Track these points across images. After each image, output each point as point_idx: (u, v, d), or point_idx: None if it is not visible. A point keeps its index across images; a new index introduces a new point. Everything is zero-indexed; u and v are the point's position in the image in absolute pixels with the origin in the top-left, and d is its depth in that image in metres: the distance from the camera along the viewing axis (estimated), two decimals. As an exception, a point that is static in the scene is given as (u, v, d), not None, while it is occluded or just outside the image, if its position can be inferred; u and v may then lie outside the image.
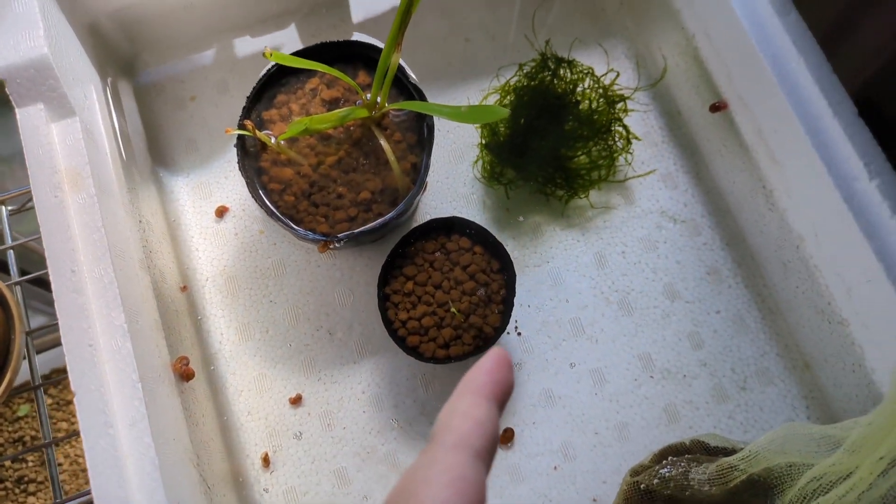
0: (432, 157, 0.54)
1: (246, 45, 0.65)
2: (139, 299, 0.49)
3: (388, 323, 0.54)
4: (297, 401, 0.57)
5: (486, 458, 0.24)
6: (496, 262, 0.55)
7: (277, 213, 0.53)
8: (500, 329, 0.53)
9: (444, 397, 0.56)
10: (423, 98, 0.55)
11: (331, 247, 0.53)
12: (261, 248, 0.60)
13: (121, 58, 0.63)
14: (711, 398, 0.56)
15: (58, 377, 0.87)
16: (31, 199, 0.68)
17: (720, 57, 0.54)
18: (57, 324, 0.44)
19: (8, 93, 0.48)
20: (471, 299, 0.54)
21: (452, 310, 0.53)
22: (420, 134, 0.56)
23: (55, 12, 0.51)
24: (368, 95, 0.54)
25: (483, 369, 0.26)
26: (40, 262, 0.89)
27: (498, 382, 0.26)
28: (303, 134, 0.53)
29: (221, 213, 0.61)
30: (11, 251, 0.67)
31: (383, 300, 0.54)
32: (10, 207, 0.69)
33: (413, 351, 0.53)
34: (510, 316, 0.53)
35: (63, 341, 0.44)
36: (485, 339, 0.53)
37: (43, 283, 0.90)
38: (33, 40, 0.48)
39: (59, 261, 0.46)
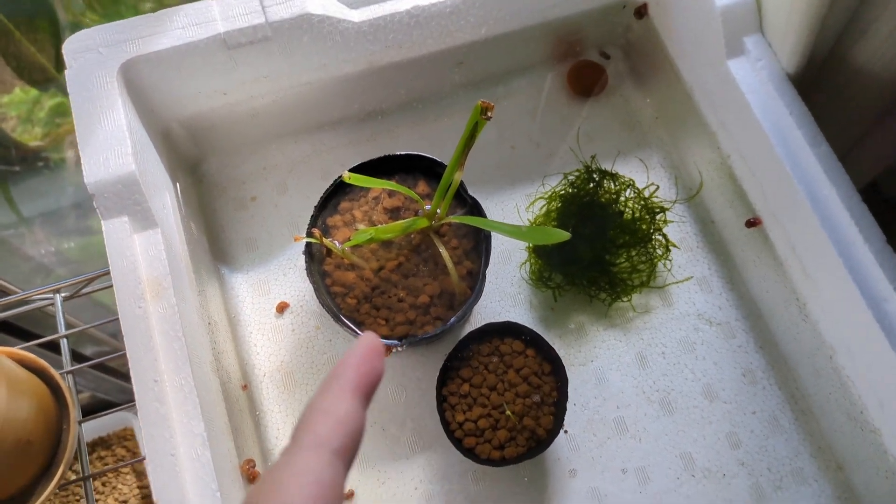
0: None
1: (304, 148, 0.69)
2: (212, 404, 0.52)
3: (445, 424, 0.56)
4: (350, 496, 0.59)
5: (346, 456, 0.24)
6: (547, 364, 0.58)
7: (342, 317, 0.56)
8: (553, 432, 0.56)
9: (494, 493, 0.59)
10: (481, 211, 0.59)
11: (394, 350, 0.56)
12: (317, 343, 0.63)
13: (188, 161, 0.66)
14: (750, 497, 0.58)
15: (104, 466, 0.88)
16: (85, 286, 0.70)
17: (755, 177, 0.58)
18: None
19: (95, 206, 0.52)
20: (524, 402, 0.56)
21: (507, 412, 0.56)
22: (476, 240, 0.59)
23: (137, 125, 0.55)
24: (428, 206, 0.58)
25: (349, 363, 0.25)
26: (93, 343, 0.90)
27: (364, 374, 0.25)
28: (367, 242, 0.56)
29: (282, 309, 0.64)
30: (65, 339, 0.69)
31: (441, 401, 0.57)
32: (63, 294, 0.71)
33: (469, 452, 0.55)
34: (563, 419, 0.55)
35: (146, 450, 0.47)
36: (537, 441, 0.56)
37: (105, 368, 0.92)
38: (121, 157, 0.52)
39: (143, 371, 0.48)
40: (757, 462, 0.59)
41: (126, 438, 0.90)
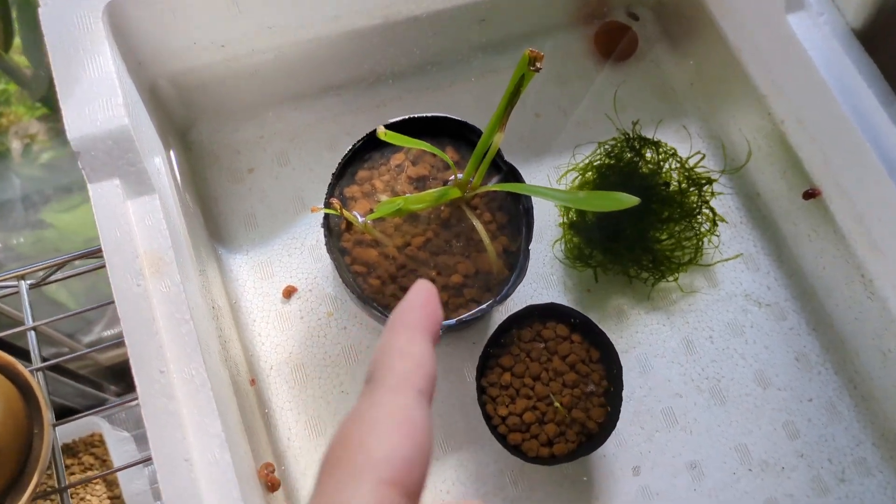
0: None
1: (307, 116, 0.61)
2: (225, 400, 0.44)
3: (487, 418, 0.50)
4: (373, 503, 0.52)
5: (429, 397, 0.23)
6: (596, 350, 0.52)
7: (370, 301, 0.49)
8: (607, 425, 0.50)
9: (534, 494, 0.52)
10: (519, 178, 0.52)
11: (428, 337, 0.49)
12: (330, 332, 0.56)
13: (176, 127, 0.58)
14: (812, 491, 0.54)
15: (82, 477, 0.78)
16: (53, 272, 0.61)
17: (816, 143, 0.54)
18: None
19: (80, 166, 0.43)
20: (572, 392, 0.50)
21: (556, 404, 0.49)
22: (511, 214, 0.53)
23: (125, 76, 0.47)
24: (460, 175, 0.51)
25: (414, 303, 0.25)
26: (47, 344, 0.81)
27: (429, 316, 0.25)
28: (395, 215, 0.49)
29: (289, 293, 0.56)
30: (33, 332, 0.60)
31: (480, 393, 0.50)
32: (29, 282, 0.62)
33: (516, 450, 0.49)
34: (619, 411, 0.49)
35: (154, 456, 0.39)
36: (588, 436, 0.50)
37: (62, 370, 0.82)
38: (111, 109, 0.44)
39: (146, 360, 0.40)
40: (816, 453, 0.55)
41: (94, 445, 0.80)
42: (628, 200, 0.43)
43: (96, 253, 0.59)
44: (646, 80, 0.65)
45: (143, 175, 0.44)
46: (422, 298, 0.25)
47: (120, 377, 0.99)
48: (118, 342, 0.53)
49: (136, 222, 0.43)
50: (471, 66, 0.64)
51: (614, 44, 0.65)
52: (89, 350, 0.65)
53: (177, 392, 0.40)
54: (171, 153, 0.54)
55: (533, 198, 0.52)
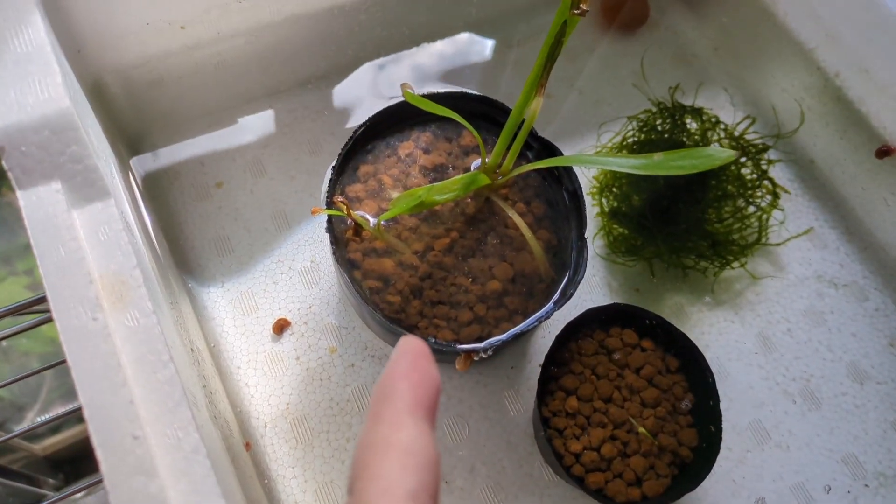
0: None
1: (283, 115, 0.51)
2: (224, 472, 0.33)
3: (557, 457, 0.39)
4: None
5: (425, 496, 0.18)
6: (673, 359, 0.42)
7: (393, 323, 0.39)
8: (705, 451, 0.39)
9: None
10: (557, 153, 0.43)
11: (475, 359, 0.39)
12: (335, 373, 0.45)
13: (127, 136, 0.47)
14: (940, 502, 0.45)
15: None
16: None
17: (887, 93, 0.46)
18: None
19: (5, 167, 0.32)
20: (655, 412, 0.40)
21: (639, 429, 0.39)
22: (551, 201, 0.43)
23: (64, 62, 0.36)
24: (487, 158, 0.42)
25: (396, 375, 0.20)
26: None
27: (419, 385, 0.20)
28: (416, 209, 0.39)
29: (281, 328, 0.45)
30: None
31: (544, 426, 0.40)
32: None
33: (599, 495, 0.38)
34: (720, 430, 0.39)
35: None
36: (681, 467, 0.40)
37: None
38: (47, 90, 0.33)
39: (112, 425, 0.28)
40: (935, 454, 0.46)
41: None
42: (723, 155, 0.34)
43: (26, 308, 0.47)
44: (663, 48, 0.57)
45: (92, 174, 0.33)
46: (406, 364, 0.21)
47: (60, 466, 0.84)
48: (57, 426, 0.40)
49: (87, 237, 0.32)
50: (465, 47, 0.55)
51: (624, 12, 0.57)
52: (15, 434, 0.52)
53: (158, 465, 0.28)
54: (127, 167, 0.43)
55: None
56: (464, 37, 0.55)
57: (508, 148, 0.41)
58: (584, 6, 0.35)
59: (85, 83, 0.40)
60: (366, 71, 0.53)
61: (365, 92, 0.52)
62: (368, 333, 0.46)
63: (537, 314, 0.39)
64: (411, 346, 0.21)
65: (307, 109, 0.51)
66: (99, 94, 0.43)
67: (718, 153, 0.34)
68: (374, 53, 0.52)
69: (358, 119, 0.51)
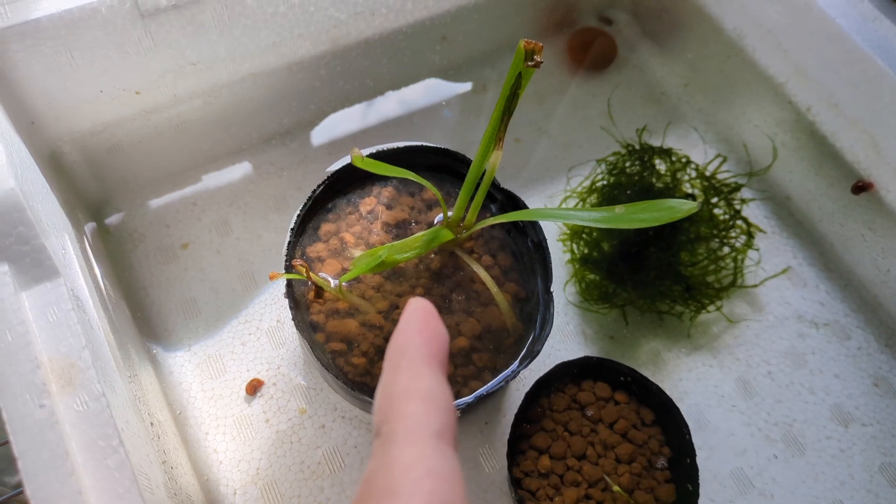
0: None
1: (248, 172, 0.50)
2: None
3: (529, 521, 0.38)
4: None
5: (449, 437, 0.20)
6: (648, 411, 0.41)
7: (356, 387, 0.38)
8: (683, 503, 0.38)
9: None
10: (520, 205, 0.42)
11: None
12: (305, 435, 0.44)
13: (88, 202, 0.46)
14: (932, 547, 0.43)
15: None
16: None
17: (858, 128, 0.45)
18: None
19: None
20: (630, 468, 0.39)
21: (615, 488, 0.38)
22: (517, 253, 0.43)
23: (12, 135, 0.36)
24: (450, 213, 0.41)
25: (411, 330, 0.22)
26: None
27: (431, 340, 0.22)
28: (377, 269, 0.38)
29: (254, 388, 0.44)
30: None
31: (515, 487, 0.39)
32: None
33: (574, 558, 0.37)
34: (697, 486, 0.38)
35: None
36: (660, 522, 0.39)
37: None
38: (-12, 173, 0.32)
39: (55, 517, 0.28)
40: (925, 497, 0.45)
41: None
42: (685, 207, 0.33)
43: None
44: (632, 87, 0.57)
45: (40, 254, 0.32)
46: (418, 321, 0.22)
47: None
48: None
49: (36, 318, 0.31)
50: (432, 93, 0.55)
51: (592, 52, 0.57)
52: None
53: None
54: (83, 236, 0.42)
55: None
56: (430, 82, 0.55)
57: (471, 201, 0.40)
58: (537, 58, 0.34)
59: (40, 154, 0.40)
60: (331, 123, 0.52)
61: (331, 145, 0.52)
62: (337, 394, 0.45)
63: (503, 374, 0.39)
64: (421, 305, 0.23)
65: (272, 165, 0.51)
66: (57, 162, 0.42)
67: (680, 205, 0.34)
68: (338, 105, 0.52)
69: (324, 172, 0.50)
